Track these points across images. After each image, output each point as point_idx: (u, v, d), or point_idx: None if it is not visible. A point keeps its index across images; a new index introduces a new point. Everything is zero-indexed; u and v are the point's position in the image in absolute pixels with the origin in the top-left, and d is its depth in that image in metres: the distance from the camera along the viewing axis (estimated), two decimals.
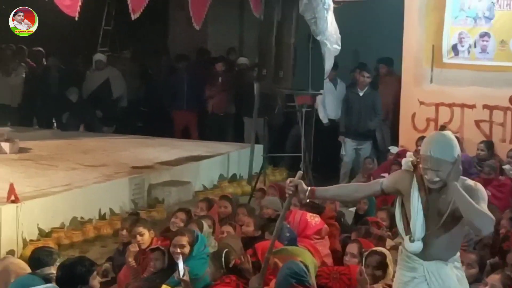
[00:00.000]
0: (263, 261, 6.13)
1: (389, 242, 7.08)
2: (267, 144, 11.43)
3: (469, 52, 11.31)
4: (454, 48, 11.37)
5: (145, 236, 6.96)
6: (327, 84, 11.62)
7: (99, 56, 14.51)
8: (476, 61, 11.29)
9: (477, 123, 11.22)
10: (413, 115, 11.47)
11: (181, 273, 6.15)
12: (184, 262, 6.31)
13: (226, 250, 6.38)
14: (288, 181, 5.24)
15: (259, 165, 11.26)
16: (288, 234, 6.80)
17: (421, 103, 11.52)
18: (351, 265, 6.41)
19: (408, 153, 5.06)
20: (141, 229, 6.96)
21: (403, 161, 4.98)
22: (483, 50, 11.17)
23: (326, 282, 6.30)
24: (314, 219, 7.19)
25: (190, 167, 11.09)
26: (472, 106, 11.23)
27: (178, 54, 14.99)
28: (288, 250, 6.27)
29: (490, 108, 11.12)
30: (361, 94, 11.71)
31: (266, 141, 11.48)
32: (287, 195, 5.25)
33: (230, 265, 6.26)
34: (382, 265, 6.08)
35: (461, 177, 4.80)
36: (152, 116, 14.46)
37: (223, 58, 14.42)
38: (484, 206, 4.66)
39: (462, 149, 10.90)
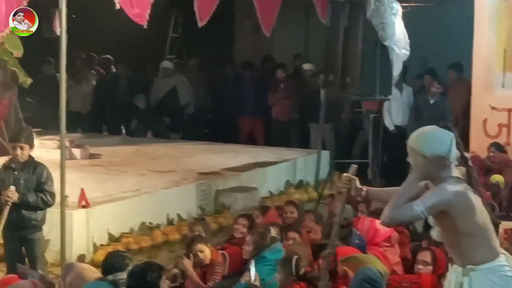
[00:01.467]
0: (340, 267, 6.11)
1: None
2: (334, 150, 11.37)
3: None
4: None
5: (206, 252, 6.96)
6: (393, 90, 11.50)
7: (166, 64, 14.64)
8: None
9: None
10: (484, 121, 11.30)
11: (252, 278, 6.15)
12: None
13: (297, 257, 6.35)
14: (344, 175, 5.19)
15: (325, 172, 11.22)
16: (357, 241, 6.74)
17: (493, 108, 11.36)
18: (422, 273, 6.32)
19: None
20: (199, 246, 6.96)
21: None
22: None
23: None
24: (383, 226, 7.10)
25: (257, 173, 11.09)
26: None
27: (244, 62, 15.04)
28: (358, 257, 6.20)
29: None
30: (431, 101, 11.53)
31: (332, 147, 11.42)
32: (341, 190, 5.20)
33: (300, 273, 6.22)
34: None
35: (455, 178, 4.50)
36: (218, 122, 14.53)
37: (285, 65, 14.39)
38: (413, 204, 4.38)
39: None
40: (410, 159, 4.63)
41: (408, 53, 10.43)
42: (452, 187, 4.44)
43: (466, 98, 11.78)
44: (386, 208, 4.49)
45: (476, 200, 4.50)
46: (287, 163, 11.70)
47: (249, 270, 6.44)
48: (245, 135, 14.16)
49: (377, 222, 7.14)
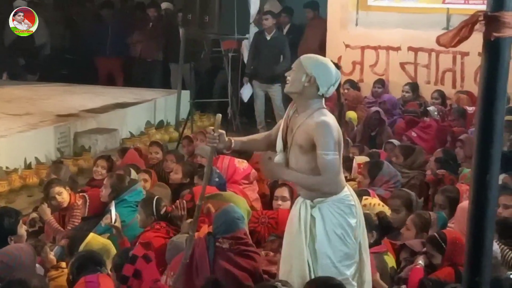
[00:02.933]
0: (204, 204, 6.13)
1: None
2: (194, 90, 11.37)
3: None
4: None
5: (64, 195, 6.87)
6: (253, 28, 11.55)
7: (20, 3, 14.10)
8: (401, 3, 11.39)
9: (402, 65, 11.35)
10: (339, 58, 11.51)
11: (113, 219, 6.13)
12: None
13: (157, 197, 6.39)
14: (210, 130, 4.87)
15: (186, 111, 11.23)
16: (217, 179, 6.81)
17: (347, 46, 11.60)
18: (280, 209, 6.46)
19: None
20: (57, 189, 6.86)
21: None
22: None
23: (255, 227, 6.35)
24: (242, 164, 7.23)
25: (117, 114, 10.97)
26: (397, 49, 11.35)
27: (102, 1, 14.74)
28: (222, 195, 6.24)
29: (415, 50, 11.24)
30: (268, 38, 11.51)
31: (193, 87, 11.42)
32: (208, 144, 4.90)
33: (162, 212, 6.26)
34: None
35: (325, 109, 4.64)
36: (76, 63, 14.23)
37: (156, 3, 14.18)
38: (324, 158, 4.49)
39: (387, 91, 11.16)
40: (290, 74, 4.67)
41: None
42: (328, 120, 4.56)
43: (323, 36, 11.98)
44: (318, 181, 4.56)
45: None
46: (147, 103, 11.63)
47: (109, 212, 6.43)
48: (104, 75, 13.96)
49: (236, 160, 7.27)
